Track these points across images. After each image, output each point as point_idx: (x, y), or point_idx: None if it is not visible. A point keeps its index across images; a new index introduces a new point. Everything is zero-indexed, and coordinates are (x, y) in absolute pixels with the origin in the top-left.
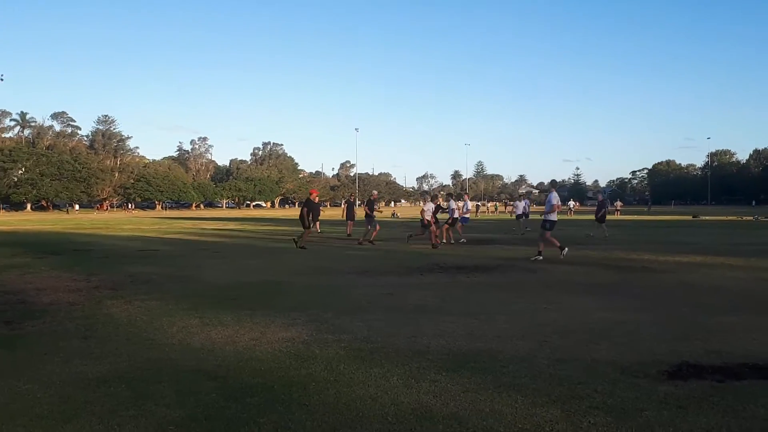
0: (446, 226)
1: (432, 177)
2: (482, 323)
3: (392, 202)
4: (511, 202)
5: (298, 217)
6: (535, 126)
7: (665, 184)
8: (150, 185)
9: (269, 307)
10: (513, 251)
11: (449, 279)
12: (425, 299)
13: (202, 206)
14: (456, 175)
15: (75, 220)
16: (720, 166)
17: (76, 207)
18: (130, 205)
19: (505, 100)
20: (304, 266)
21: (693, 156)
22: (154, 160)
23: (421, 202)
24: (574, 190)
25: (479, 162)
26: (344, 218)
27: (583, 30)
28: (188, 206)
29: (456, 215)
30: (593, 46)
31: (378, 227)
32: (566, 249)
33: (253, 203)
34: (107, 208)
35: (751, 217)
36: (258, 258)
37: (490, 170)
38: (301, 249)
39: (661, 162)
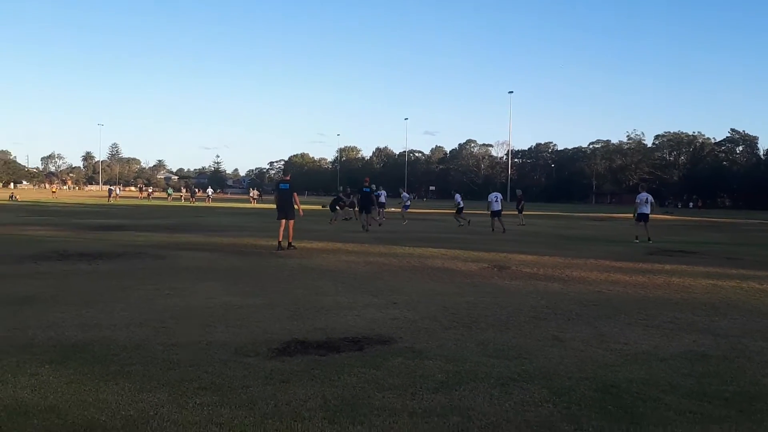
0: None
1: (60, 158)
2: (98, 312)
3: (12, 184)
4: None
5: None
6: (174, 110)
7: (300, 175)
8: None
9: None
10: (145, 237)
11: (69, 267)
12: (36, 289)
13: None
14: (88, 157)
15: None
16: (348, 161)
17: None
18: None
19: (144, 83)
20: None
21: (324, 150)
22: None
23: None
24: (214, 177)
25: (114, 144)
26: None
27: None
28: None
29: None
30: (244, 41)
31: None
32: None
33: None
34: None
35: None
36: None
37: (126, 153)
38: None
39: (296, 155)
